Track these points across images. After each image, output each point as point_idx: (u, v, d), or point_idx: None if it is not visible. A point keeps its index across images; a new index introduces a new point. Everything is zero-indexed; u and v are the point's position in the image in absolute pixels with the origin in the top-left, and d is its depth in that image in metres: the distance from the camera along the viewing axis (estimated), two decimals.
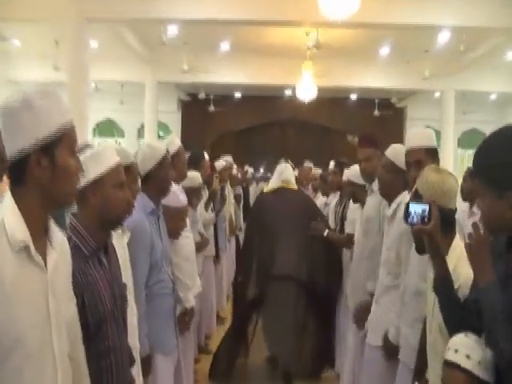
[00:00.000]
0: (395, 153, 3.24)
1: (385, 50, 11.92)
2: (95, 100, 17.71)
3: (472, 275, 1.86)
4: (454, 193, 2.27)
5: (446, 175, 2.28)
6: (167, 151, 3.11)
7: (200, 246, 4.63)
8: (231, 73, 13.43)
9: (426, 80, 12.42)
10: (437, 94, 16.15)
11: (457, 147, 17.21)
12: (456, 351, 1.75)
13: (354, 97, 17.36)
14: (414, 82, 13.41)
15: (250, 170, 12.30)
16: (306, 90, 11.33)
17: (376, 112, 17.69)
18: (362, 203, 4.01)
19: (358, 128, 18.31)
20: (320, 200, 6.64)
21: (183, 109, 18.79)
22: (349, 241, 4.28)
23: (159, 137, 15.59)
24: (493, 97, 15.94)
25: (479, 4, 8.39)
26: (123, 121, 18.46)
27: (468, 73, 12.77)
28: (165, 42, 9.67)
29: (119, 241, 2.43)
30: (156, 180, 2.99)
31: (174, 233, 3.34)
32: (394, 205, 3.17)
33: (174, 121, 18.55)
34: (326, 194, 6.31)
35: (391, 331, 3.00)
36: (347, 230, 4.47)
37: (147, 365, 2.78)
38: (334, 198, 5.74)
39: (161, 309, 2.95)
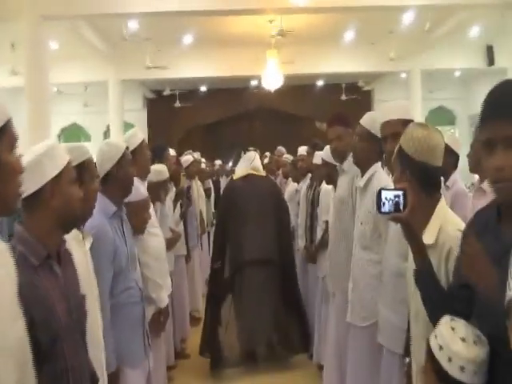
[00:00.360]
0: (371, 120, 3.10)
1: (349, 34, 11.84)
2: (58, 104, 17.34)
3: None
4: (440, 149, 2.13)
5: (432, 131, 2.13)
6: (127, 148, 2.93)
7: (171, 243, 4.43)
8: (196, 67, 13.19)
9: (391, 61, 12.38)
10: (403, 75, 16.20)
11: None
12: (449, 360, 1.50)
13: (320, 83, 17.28)
14: (380, 65, 13.39)
15: (218, 162, 12.22)
16: (271, 78, 11.20)
17: (343, 96, 17.65)
18: (336, 184, 3.91)
19: (325, 114, 18.10)
20: (291, 186, 6.55)
21: (149, 106, 18.49)
22: (326, 232, 4.15)
23: None
24: (457, 74, 16.03)
25: None
26: (89, 124, 18.03)
27: (433, 52, 12.78)
28: (126, 38, 9.41)
29: (80, 247, 2.25)
30: (116, 180, 2.81)
31: (139, 228, 3.18)
32: (366, 175, 3.07)
33: (140, 119, 18.21)
34: (296, 180, 6.23)
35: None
36: (323, 217, 4.36)
37: (115, 381, 2.58)
38: (304, 184, 5.67)
39: (129, 319, 2.76)
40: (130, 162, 2.92)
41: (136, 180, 3.22)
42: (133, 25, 10.48)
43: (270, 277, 4.96)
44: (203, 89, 17.28)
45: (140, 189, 3.19)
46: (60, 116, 17.58)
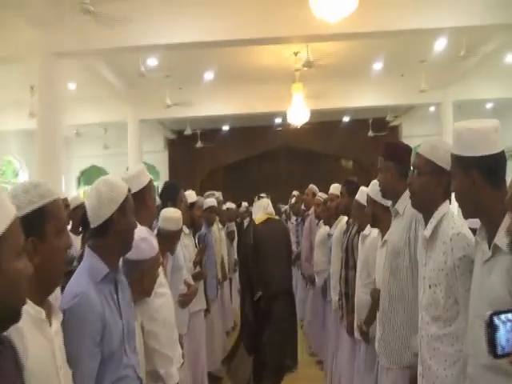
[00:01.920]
0: (433, 149, 2.38)
1: (378, 65, 11.28)
2: (78, 147, 17.10)
3: None
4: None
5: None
6: (129, 190, 2.21)
7: (186, 300, 3.73)
8: (218, 104, 12.70)
9: (423, 93, 11.67)
10: (431, 109, 15.55)
11: None
12: None
13: (346, 119, 16.69)
14: (410, 97, 12.70)
15: (244, 204, 11.59)
16: (297, 114, 10.61)
17: (370, 133, 17.01)
18: (383, 229, 3.20)
19: (352, 151, 17.74)
20: (322, 230, 5.83)
21: (170, 147, 18.09)
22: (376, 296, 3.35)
23: None
24: (489, 105, 15.30)
25: (476, 2, 7.77)
26: (109, 166, 17.63)
27: (465, 82, 12.11)
28: (144, 74, 8.91)
29: (40, 331, 1.56)
30: (115, 231, 2.10)
31: (149, 291, 2.50)
32: (432, 221, 2.29)
33: (161, 161, 17.82)
34: (328, 222, 5.50)
35: None
36: (372, 274, 3.54)
37: None
38: (335, 228, 4.99)
39: None
40: (133, 209, 2.22)
41: (145, 230, 2.57)
42: (151, 61, 10.08)
43: (290, 304, 5.63)
44: (225, 128, 16.82)
45: (153, 242, 2.54)
46: (80, 158, 17.31)
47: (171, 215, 3.45)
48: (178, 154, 17.66)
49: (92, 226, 2.09)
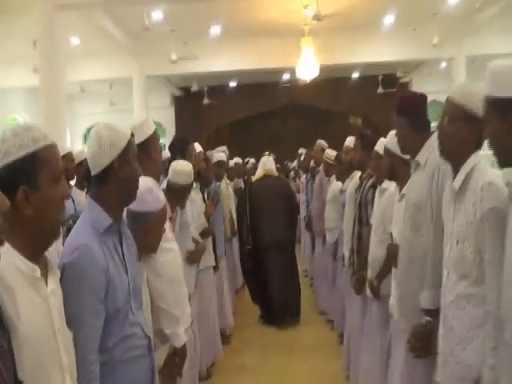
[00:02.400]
0: (466, 94, 2.16)
1: (389, 19, 10.91)
2: (83, 104, 16.88)
3: None
4: None
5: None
6: (132, 135, 2.07)
7: (193, 258, 3.65)
8: (225, 60, 12.34)
9: (435, 47, 11.30)
10: (443, 65, 15.16)
11: None
12: None
13: (355, 75, 16.32)
14: (422, 52, 12.28)
15: (252, 160, 11.47)
16: (306, 68, 10.32)
17: (380, 89, 16.67)
18: (401, 182, 3.07)
19: (361, 109, 17.42)
20: (334, 185, 5.69)
21: (176, 104, 17.84)
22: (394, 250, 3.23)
23: None
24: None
25: None
26: (115, 123, 17.40)
27: (479, 36, 11.67)
28: (148, 28, 8.64)
29: (35, 290, 1.44)
30: (118, 179, 1.98)
31: (154, 246, 2.39)
32: (462, 171, 2.11)
33: (168, 117, 17.60)
34: (341, 178, 5.35)
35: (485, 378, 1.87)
36: (388, 227, 3.40)
37: None
38: (350, 183, 4.84)
39: (129, 381, 1.95)
40: (136, 155, 2.09)
41: (151, 181, 2.45)
42: (156, 15, 9.79)
43: (284, 255, 6.45)
44: (232, 84, 16.51)
45: (159, 194, 2.42)
46: (86, 116, 17.11)
47: (182, 168, 3.33)
48: (185, 111, 17.41)
49: (93, 173, 1.97)
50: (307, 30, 10.33)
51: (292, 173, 12.66)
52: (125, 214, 2.12)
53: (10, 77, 12.08)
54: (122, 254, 1.97)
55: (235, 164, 7.89)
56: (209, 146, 10.95)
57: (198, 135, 15.34)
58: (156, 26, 9.88)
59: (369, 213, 3.87)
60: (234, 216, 7.06)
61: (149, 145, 2.62)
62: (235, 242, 7.29)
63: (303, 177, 9.03)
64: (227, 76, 14.95)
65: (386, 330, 3.24)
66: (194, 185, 4.25)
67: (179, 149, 3.79)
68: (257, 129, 17.81)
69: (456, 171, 2.16)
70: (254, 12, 10.24)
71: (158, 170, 2.80)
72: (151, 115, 15.77)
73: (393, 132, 3.10)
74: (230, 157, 8.37)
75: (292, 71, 11.57)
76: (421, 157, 2.62)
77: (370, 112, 17.00)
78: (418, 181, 2.62)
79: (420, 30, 11.57)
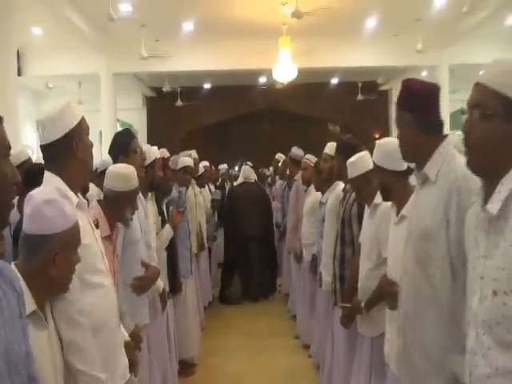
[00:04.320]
0: (508, 75, 1.44)
1: (371, 22, 10.44)
2: (50, 102, 16.05)
3: None
4: None
5: None
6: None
7: (142, 286, 2.96)
8: (198, 59, 11.68)
9: (418, 54, 10.84)
10: (423, 74, 14.77)
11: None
12: None
13: (335, 81, 15.84)
14: (404, 58, 11.86)
15: (224, 166, 10.87)
16: (284, 70, 9.75)
17: (360, 96, 16.22)
18: (398, 202, 2.49)
19: (339, 115, 16.91)
20: (313, 196, 5.09)
21: (148, 105, 17.10)
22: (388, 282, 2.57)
23: None
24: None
25: None
26: None
27: (463, 44, 11.30)
28: (114, 19, 7.95)
29: None
30: None
31: (61, 283, 1.69)
32: (501, 189, 1.42)
33: (140, 119, 16.89)
34: (320, 189, 4.76)
35: None
36: (383, 252, 2.81)
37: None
38: (330, 195, 4.26)
39: None
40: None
41: (54, 190, 1.72)
42: (124, 7, 9.14)
43: (260, 246, 7.79)
44: (207, 86, 15.90)
45: (66, 208, 1.68)
46: None
47: (119, 170, 2.66)
48: (157, 113, 16.71)
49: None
50: (285, 30, 9.79)
51: (269, 179, 12.06)
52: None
53: None
54: None
55: (204, 168, 7.25)
56: (182, 150, 10.30)
57: (171, 138, 14.71)
58: (124, 20, 9.22)
59: (354, 231, 3.28)
60: (205, 227, 6.42)
61: (72, 139, 1.97)
62: (204, 256, 6.65)
63: (278, 182, 8.38)
64: (201, 77, 14.34)
65: (383, 374, 2.64)
66: (149, 195, 3.60)
67: (121, 148, 3.06)
68: (232, 133, 17.23)
69: (489, 189, 1.48)
70: (230, 8, 9.65)
71: (86, 174, 2.13)
72: (122, 116, 15.22)
73: (380, 142, 2.53)
74: (206, 161, 7.81)
75: (269, 74, 10.98)
76: (430, 168, 1.96)
77: (349, 119, 16.55)
78: (426, 201, 1.95)
79: (403, 35, 11.12)
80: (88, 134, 2.10)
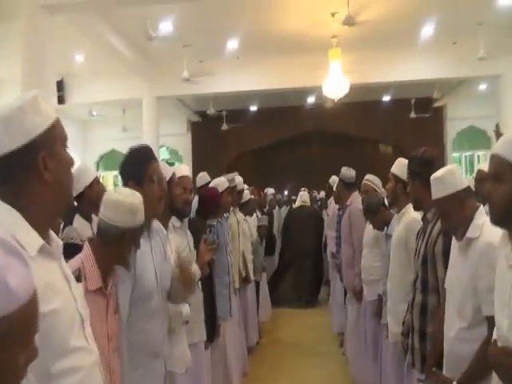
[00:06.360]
0: None
1: (427, 30, 9.64)
2: (96, 130, 15.92)
3: None
4: None
5: None
6: None
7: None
8: (243, 79, 11.10)
9: (479, 62, 9.85)
10: (481, 87, 13.81)
11: None
12: None
13: (386, 98, 15.01)
14: (464, 68, 10.80)
15: (270, 191, 10.19)
16: (334, 85, 9.05)
17: (412, 114, 15.34)
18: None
19: (391, 135, 15.97)
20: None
21: (193, 130, 16.70)
22: None
23: (167, 163, 13.40)
24: None
25: None
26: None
27: None
28: (152, 37, 7.50)
29: None
30: None
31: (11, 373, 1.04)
32: None
33: (185, 144, 16.54)
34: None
35: None
36: (497, 317, 2.04)
37: None
38: (399, 225, 3.50)
39: None
40: None
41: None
42: (165, 27, 8.71)
43: (310, 260, 9.24)
44: (253, 108, 15.35)
45: (20, 272, 1.65)
46: (99, 142, 16.14)
47: (123, 199, 1.98)
48: (202, 137, 16.25)
49: None
50: (335, 44, 9.15)
51: (319, 203, 11.33)
52: None
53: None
54: None
55: (251, 191, 6.58)
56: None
57: (218, 163, 14.18)
58: (165, 40, 8.80)
59: (439, 274, 2.52)
60: (250, 258, 5.73)
61: (36, 152, 1.34)
62: (250, 289, 5.97)
63: (331, 207, 7.28)
64: (247, 99, 13.81)
65: None
66: (178, 223, 2.95)
67: (133, 174, 2.30)
68: (280, 156, 16.66)
69: None
70: (276, 24, 9.10)
71: (61, 203, 1.46)
72: (167, 141, 14.86)
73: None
74: (252, 185, 7.19)
75: (318, 92, 10.30)
76: None
77: (402, 138, 15.62)
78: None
79: (462, 42, 10.26)
80: (65, 145, 1.43)
